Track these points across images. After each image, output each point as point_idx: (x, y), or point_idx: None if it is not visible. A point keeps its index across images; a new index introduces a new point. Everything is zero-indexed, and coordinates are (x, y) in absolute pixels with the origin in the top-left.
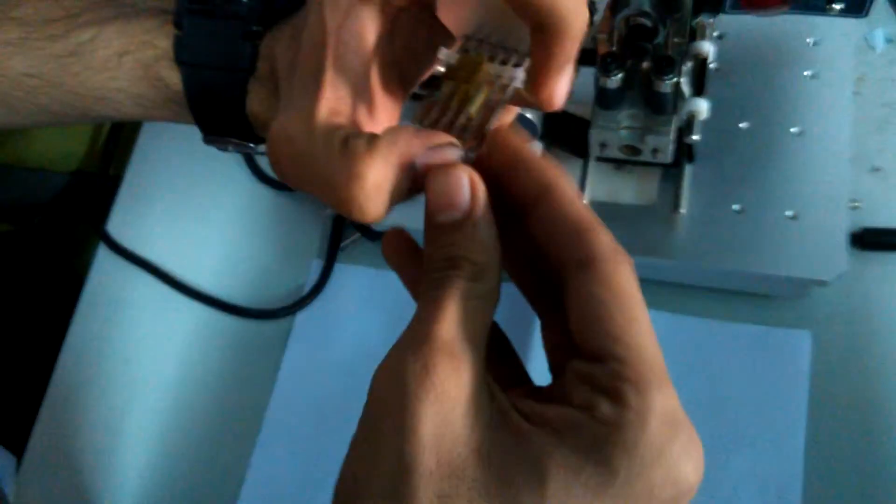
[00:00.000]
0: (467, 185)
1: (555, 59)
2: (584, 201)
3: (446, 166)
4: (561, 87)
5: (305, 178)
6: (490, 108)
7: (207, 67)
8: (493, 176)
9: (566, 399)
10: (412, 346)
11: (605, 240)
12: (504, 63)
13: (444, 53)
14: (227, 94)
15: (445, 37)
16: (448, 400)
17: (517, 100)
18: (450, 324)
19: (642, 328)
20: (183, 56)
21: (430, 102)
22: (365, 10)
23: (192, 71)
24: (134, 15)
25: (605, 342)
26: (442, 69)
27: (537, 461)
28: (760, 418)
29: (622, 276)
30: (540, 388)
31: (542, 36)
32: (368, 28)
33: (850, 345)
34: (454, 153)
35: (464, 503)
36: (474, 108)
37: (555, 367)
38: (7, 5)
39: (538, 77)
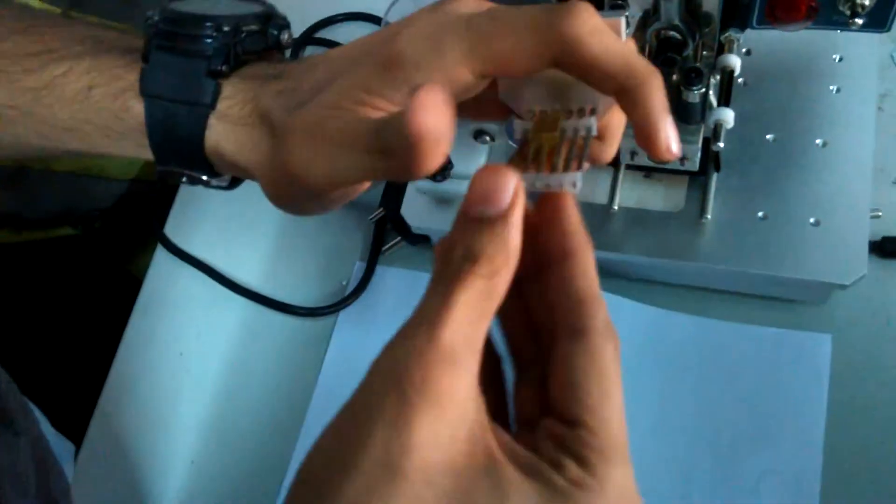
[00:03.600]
0: (512, 188)
1: (653, 110)
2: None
3: (498, 167)
4: (671, 133)
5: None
6: (577, 156)
7: (169, 100)
8: (529, 226)
9: (536, 449)
10: (415, 349)
11: (602, 316)
12: (572, 117)
13: (518, 125)
14: (187, 127)
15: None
16: (441, 411)
17: (588, 158)
18: (457, 326)
19: (614, 406)
20: (147, 88)
21: (517, 160)
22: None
23: (154, 102)
24: (106, 51)
25: (581, 411)
26: (519, 137)
27: (503, 489)
28: (781, 417)
29: (608, 354)
30: (508, 430)
31: (630, 96)
32: None
33: (869, 348)
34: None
35: None
36: (561, 156)
37: (520, 416)
38: None
39: (648, 133)
